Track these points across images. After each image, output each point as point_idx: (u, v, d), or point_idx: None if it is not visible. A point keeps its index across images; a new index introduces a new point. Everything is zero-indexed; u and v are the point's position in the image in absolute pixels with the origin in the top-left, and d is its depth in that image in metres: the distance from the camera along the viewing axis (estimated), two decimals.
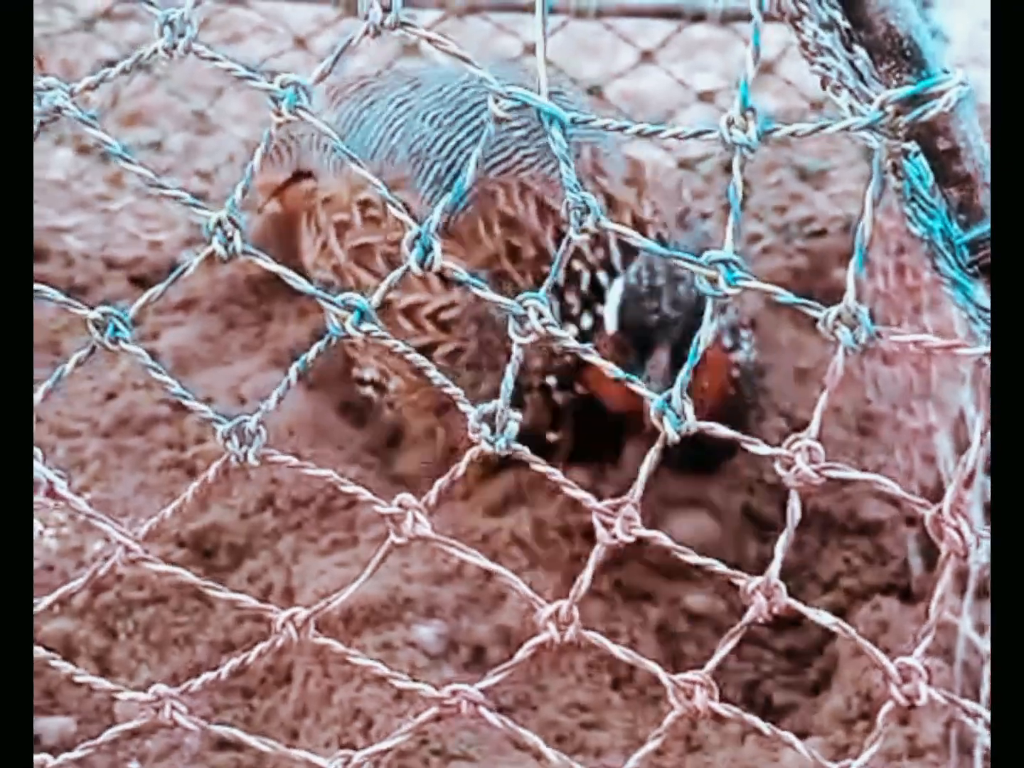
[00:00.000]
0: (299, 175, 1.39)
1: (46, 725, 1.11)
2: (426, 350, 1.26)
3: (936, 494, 1.15)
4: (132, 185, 1.67)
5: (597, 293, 1.20)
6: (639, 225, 1.24)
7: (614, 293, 1.19)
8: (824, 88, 0.64)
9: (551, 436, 1.23)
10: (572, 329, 1.20)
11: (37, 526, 0.99)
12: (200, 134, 1.85)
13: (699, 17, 1.37)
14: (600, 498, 0.55)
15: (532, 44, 1.46)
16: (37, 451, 0.60)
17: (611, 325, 1.18)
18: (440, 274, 1.23)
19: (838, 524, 1.31)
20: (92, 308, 0.57)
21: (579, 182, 0.54)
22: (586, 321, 1.21)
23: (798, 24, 0.63)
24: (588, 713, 1.12)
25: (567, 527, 1.22)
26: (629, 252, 1.21)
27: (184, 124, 1.81)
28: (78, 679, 0.67)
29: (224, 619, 1.18)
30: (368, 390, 1.33)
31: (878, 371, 1.43)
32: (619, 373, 0.54)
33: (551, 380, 1.22)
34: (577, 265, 1.20)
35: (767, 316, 1.47)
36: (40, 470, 0.56)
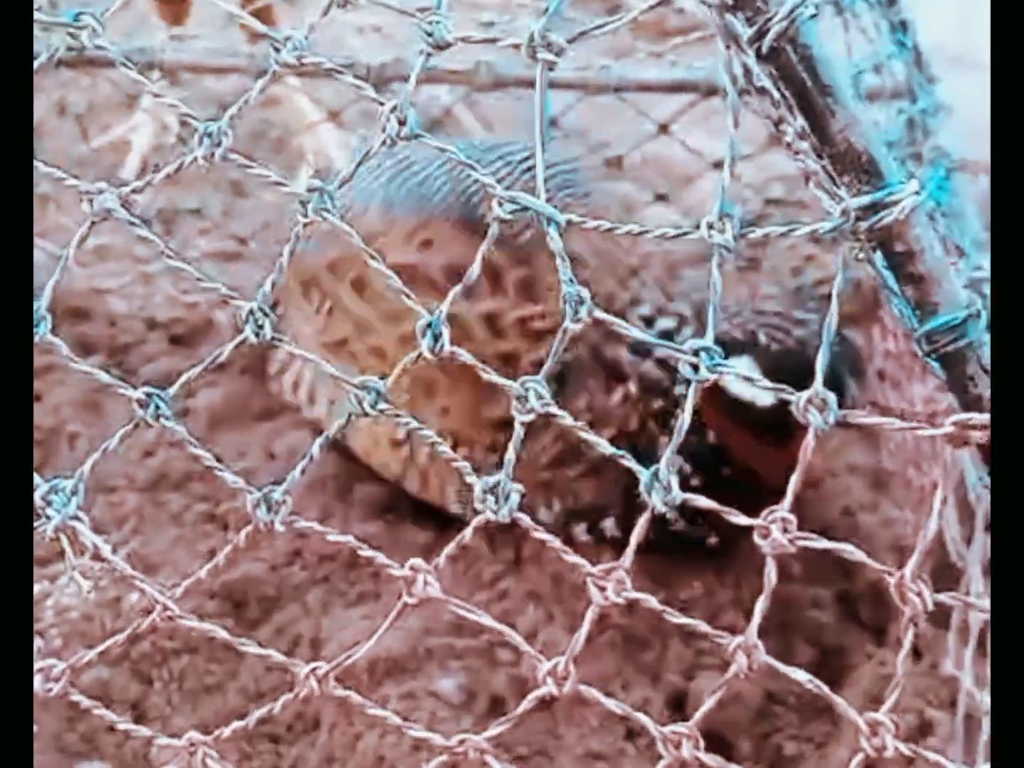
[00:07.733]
0: None
1: None
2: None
3: (940, 549, 1.19)
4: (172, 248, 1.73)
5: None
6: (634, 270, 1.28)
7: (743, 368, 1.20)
8: (807, 183, 0.70)
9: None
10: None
11: (78, 579, 1.04)
12: (237, 195, 1.92)
13: (712, 91, 1.42)
14: None
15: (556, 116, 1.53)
16: (82, 514, 0.65)
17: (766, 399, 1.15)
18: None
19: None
20: (136, 387, 0.63)
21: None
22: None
23: (780, 127, 0.69)
24: (603, 762, 1.14)
25: (582, 584, 1.26)
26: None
27: (222, 187, 1.88)
28: (117, 726, 0.71)
29: (254, 668, 1.20)
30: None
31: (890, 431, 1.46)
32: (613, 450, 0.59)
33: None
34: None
35: None
36: (87, 535, 0.62)
